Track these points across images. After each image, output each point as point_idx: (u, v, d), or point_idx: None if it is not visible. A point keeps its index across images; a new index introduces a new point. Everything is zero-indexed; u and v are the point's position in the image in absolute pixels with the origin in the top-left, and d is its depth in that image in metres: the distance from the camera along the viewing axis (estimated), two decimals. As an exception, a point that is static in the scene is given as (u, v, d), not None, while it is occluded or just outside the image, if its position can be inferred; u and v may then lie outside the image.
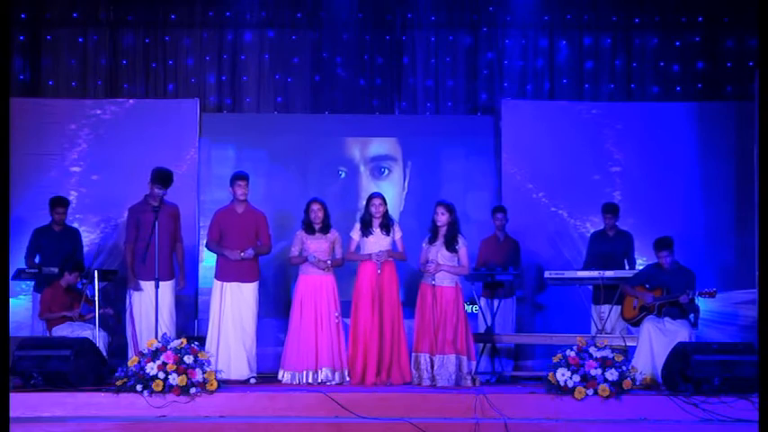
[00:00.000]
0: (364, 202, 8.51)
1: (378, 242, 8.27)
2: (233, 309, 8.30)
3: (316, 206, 8.37)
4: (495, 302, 9.44)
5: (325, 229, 8.38)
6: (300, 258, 8.37)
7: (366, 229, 8.31)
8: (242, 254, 8.26)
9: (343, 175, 10.87)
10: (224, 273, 8.38)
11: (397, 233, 8.36)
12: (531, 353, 10.24)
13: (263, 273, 8.86)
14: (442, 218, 8.13)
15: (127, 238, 8.47)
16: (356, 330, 8.18)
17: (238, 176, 8.43)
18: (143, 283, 8.22)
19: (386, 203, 8.34)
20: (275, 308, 10.33)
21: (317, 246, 8.33)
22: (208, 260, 9.92)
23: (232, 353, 8.22)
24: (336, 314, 8.25)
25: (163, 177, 8.35)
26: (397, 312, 8.22)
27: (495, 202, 10.52)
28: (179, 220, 8.59)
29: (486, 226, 10.07)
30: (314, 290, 8.27)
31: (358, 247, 8.37)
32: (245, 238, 8.35)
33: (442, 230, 8.14)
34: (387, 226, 8.30)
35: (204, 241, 8.85)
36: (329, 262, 8.32)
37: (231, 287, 8.33)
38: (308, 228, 8.39)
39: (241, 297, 8.32)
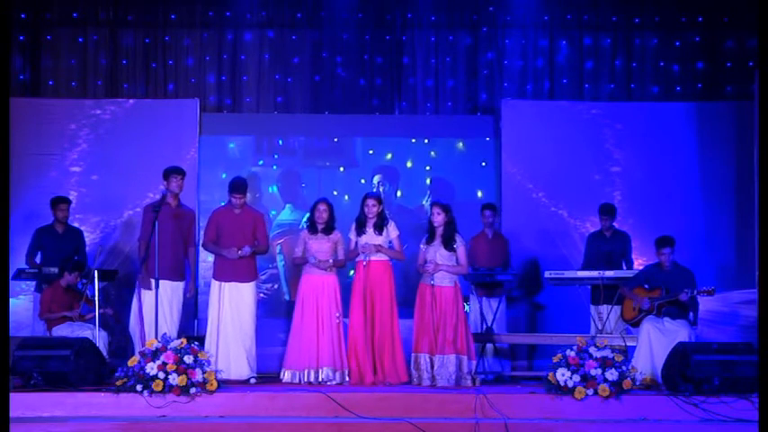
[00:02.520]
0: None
1: (370, 242, 8.30)
2: (231, 309, 8.31)
3: (322, 206, 8.39)
4: (495, 302, 9.45)
5: (329, 229, 8.39)
6: (303, 259, 8.39)
7: (360, 229, 8.36)
8: (239, 252, 8.27)
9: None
10: (222, 273, 8.38)
11: (393, 232, 8.38)
12: (530, 353, 10.23)
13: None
14: (438, 218, 8.15)
15: (141, 235, 8.41)
16: (351, 330, 8.22)
17: (235, 189, 8.37)
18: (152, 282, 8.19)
19: (381, 203, 8.38)
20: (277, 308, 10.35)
21: (319, 246, 8.34)
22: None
23: (231, 353, 8.22)
24: (338, 314, 8.26)
25: (174, 167, 8.35)
26: (390, 312, 8.23)
27: (496, 202, 10.51)
28: (194, 225, 8.60)
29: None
30: (316, 290, 8.28)
31: (356, 247, 8.40)
32: (242, 237, 8.36)
33: (439, 230, 8.16)
34: (380, 226, 8.33)
35: (202, 241, 8.85)
36: (331, 261, 8.33)
37: (229, 287, 8.34)
38: (312, 227, 8.40)
39: (239, 297, 8.32)
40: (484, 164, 10.86)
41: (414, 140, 10.90)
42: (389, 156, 10.92)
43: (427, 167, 10.88)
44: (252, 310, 8.36)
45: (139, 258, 8.39)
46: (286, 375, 8.15)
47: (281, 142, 10.92)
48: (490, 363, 9.45)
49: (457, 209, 8.42)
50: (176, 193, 8.34)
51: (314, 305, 8.25)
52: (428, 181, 10.81)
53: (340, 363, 8.16)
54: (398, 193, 10.85)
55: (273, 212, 10.77)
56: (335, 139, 10.91)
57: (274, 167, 10.89)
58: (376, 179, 10.81)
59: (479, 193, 10.71)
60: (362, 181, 10.70)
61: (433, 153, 10.88)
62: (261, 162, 10.87)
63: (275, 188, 10.83)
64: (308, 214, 8.69)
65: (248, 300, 8.36)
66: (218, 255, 8.42)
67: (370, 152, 10.90)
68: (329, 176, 10.82)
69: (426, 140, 10.91)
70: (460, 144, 10.92)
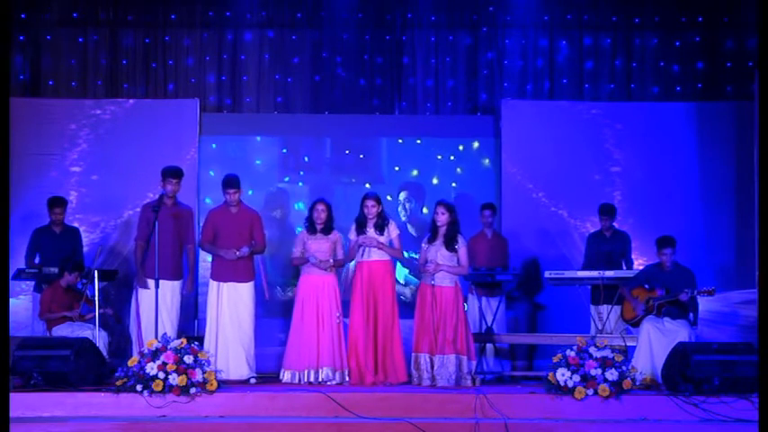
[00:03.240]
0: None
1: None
2: (230, 309, 8.31)
3: (320, 206, 8.39)
4: (494, 302, 9.45)
5: (327, 230, 8.40)
6: (301, 259, 8.39)
7: (360, 229, 8.36)
8: (237, 252, 8.27)
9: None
10: (219, 273, 8.39)
11: (393, 232, 8.39)
12: (530, 353, 10.23)
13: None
14: (442, 217, 8.14)
15: (138, 234, 8.43)
16: (351, 330, 8.22)
17: (228, 184, 8.40)
18: (151, 281, 8.18)
19: (380, 203, 8.38)
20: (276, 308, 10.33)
21: (318, 246, 8.34)
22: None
23: (230, 353, 8.22)
24: (338, 314, 8.26)
25: (172, 170, 8.32)
26: (392, 312, 8.24)
27: (496, 202, 10.50)
28: (192, 223, 8.59)
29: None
30: (315, 290, 8.28)
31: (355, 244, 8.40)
32: (239, 237, 8.36)
33: (442, 230, 8.15)
34: (381, 226, 8.33)
35: (199, 242, 8.85)
36: (331, 261, 8.33)
37: (227, 287, 8.34)
38: (311, 227, 8.40)
39: (237, 297, 8.33)
40: (484, 164, 10.82)
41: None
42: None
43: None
44: (250, 310, 8.37)
45: (136, 259, 8.40)
46: (286, 375, 8.16)
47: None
48: (490, 363, 9.45)
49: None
50: (171, 195, 8.33)
51: (314, 305, 8.25)
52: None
53: (340, 363, 8.16)
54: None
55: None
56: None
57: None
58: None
59: (479, 193, 10.68)
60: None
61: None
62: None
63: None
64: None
65: (246, 300, 8.36)
66: (216, 255, 8.42)
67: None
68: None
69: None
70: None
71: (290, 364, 8.18)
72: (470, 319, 9.42)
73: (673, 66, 11.04)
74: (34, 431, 6.82)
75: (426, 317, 8.03)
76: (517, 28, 11.03)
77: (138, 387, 7.09)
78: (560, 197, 10.60)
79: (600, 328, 9.16)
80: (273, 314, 10.15)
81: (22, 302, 9.85)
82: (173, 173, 8.34)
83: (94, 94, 10.84)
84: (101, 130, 10.56)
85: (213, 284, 8.40)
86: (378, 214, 8.34)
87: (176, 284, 8.36)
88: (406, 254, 9.55)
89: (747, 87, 10.47)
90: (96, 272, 8.70)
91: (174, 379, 7.05)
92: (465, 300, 9.35)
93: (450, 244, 8.09)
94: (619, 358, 7.25)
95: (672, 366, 7.55)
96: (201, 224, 8.83)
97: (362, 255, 8.31)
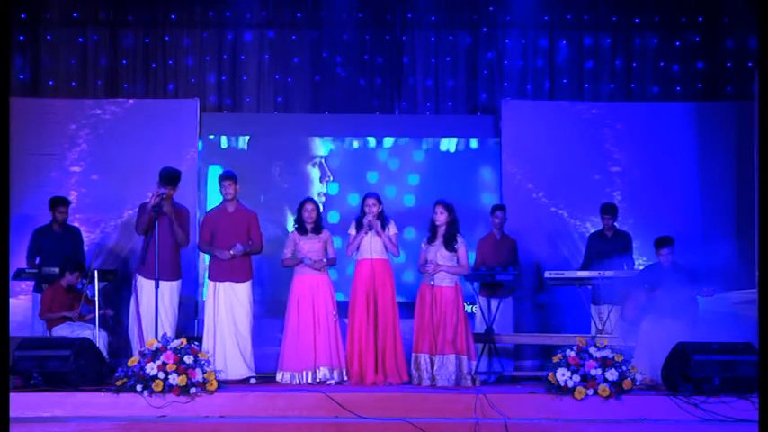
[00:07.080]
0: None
1: (371, 240, 8.30)
2: (227, 309, 8.30)
3: (309, 206, 8.39)
4: (494, 302, 9.46)
5: (318, 229, 8.39)
6: (293, 260, 8.37)
7: (360, 227, 8.33)
8: (231, 252, 8.25)
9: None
10: (216, 273, 8.38)
11: (392, 230, 8.38)
12: (531, 353, 10.23)
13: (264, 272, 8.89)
14: (441, 217, 8.13)
15: (137, 224, 8.33)
16: (352, 329, 8.21)
17: (225, 177, 8.44)
18: (148, 282, 8.16)
19: (380, 203, 8.36)
20: (275, 308, 10.33)
21: (310, 246, 8.33)
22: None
23: (228, 353, 8.21)
24: (333, 313, 8.25)
25: (169, 177, 8.29)
26: (392, 311, 8.23)
27: (496, 202, 10.51)
28: (188, 223, 8.54)
29: (487, 226, 10.07)
30: (310, 290, 8.28)
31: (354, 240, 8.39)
32: (236, 237, 8.34)
33: (441, 230, 8.14)
34: (381, 225, 8.31)
35: (197, 242, 8.84)
36: (324, 261, 8.32)
37: (224, 287, 8.33)
38: (301, 228, 8.40)
39: (234, 297, 8.32)
40: (484, 164, 10.82)
41: (413, 140, 10.82)
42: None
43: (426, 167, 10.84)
44: (247, 310, 8.35)
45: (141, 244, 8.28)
46: (285, 377, 8.15)
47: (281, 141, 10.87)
48: (491, 363, 9.44)
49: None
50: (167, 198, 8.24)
51: (309, 305, 8.25)
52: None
53: (337, 362, 8.16)
54: None
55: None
56: (336, 139, 10.88)
57: None
58: None
59: (479, 193, 10.67)
60: None
61: (432, 153, 10.85)
62: None
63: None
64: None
65: (243, 299, 8.35)
66: (213, 255, 8.42)
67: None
68: None
69: (426, 140, 10.83)
70: (461, 144, 10.89)
71: (287, 365, 8.17)
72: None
73: (673, 66, 11.05)
74: (34, 431, 6.81)
75: (426, 317, 8.02)
76: (517, 28, 11.04)
77: (138, 387, 7.08)
78: (560, 197, 10.61)
79: (600, 328, 9.16)
80: (273, 314, 10.15)
81: (22, 302, 9.85)
82: (169, 180, 8.25)
83: (94, 94, 10.85)
84: (101, 130, 10.57)
85: (210, 284, 8.40)
86: (378, 214, 8.33)
87: (174, 285, 8.34)
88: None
89: (747, 87, 10.47)
90: (96, 272, 8.69)
91: (174, 379, 7.05)
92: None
93: (449, 244, 8.08)
94: (619, 358, 7.25)
95: (672, 366, 7.54)
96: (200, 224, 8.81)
97: (362, 252, 8.29)
